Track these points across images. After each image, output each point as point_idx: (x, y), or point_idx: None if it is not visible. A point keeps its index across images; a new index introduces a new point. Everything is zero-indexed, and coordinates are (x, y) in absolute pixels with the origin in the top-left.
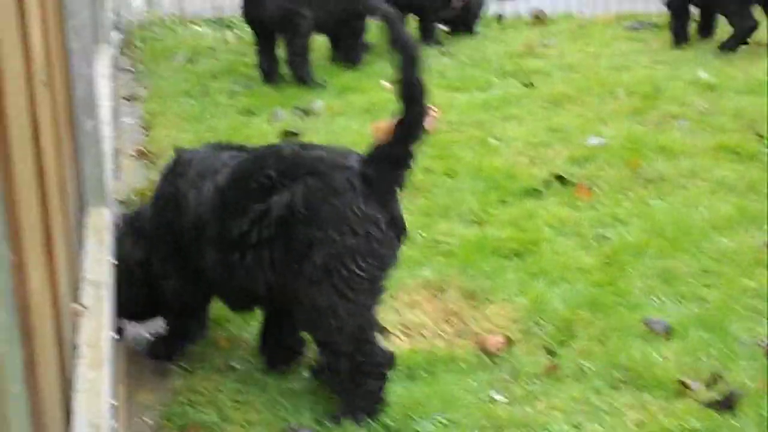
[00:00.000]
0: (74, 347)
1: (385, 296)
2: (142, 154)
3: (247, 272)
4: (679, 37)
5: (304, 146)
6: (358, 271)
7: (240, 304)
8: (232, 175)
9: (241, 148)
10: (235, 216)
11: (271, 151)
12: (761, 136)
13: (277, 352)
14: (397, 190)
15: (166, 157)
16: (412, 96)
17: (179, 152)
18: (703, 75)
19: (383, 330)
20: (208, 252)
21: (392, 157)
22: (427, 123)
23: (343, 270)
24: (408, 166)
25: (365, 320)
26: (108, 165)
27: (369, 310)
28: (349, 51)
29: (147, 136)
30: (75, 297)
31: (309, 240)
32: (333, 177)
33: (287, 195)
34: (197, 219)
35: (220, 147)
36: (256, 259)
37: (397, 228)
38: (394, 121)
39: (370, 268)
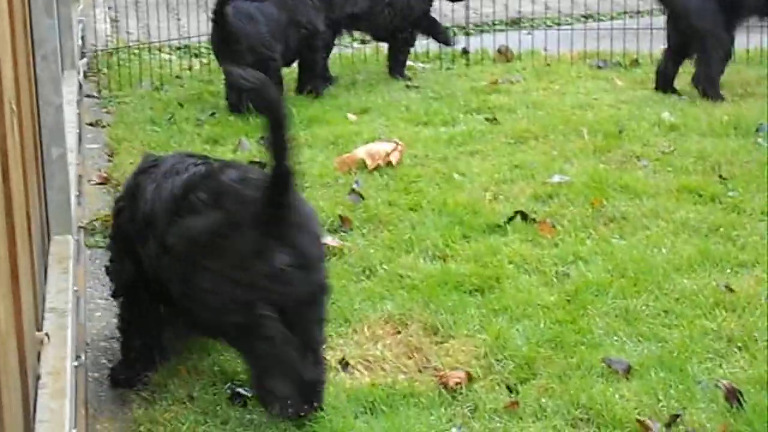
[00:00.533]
0: (37, 377)
1: (347, 330)
2: (105, 181)
3: (167, 274)
4: (666, 81)
5: (242, 173)
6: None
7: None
8: (183, 184)
9: (205, 160)
10: (171, 222)
11: (213, 171)
12: (724, 179)
13: None
14: (298, 225)
15: None
16: (280, 156)
17: (149, 154)
18: (667, 116)
19: (346, 364)
20: (150, 246)
21: (272, 205)
22: (393, 157)
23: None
24: (285, 215)
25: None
26: (73, 193)
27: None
28: (309, 82)
29: (111, 162)
30: (38, 326)
31: (202, 267)
32: (239, 213)
33: (200, 220)
34: (151, 212)
35: (188, 155)
36: (171, 265)
37: (302, 261)
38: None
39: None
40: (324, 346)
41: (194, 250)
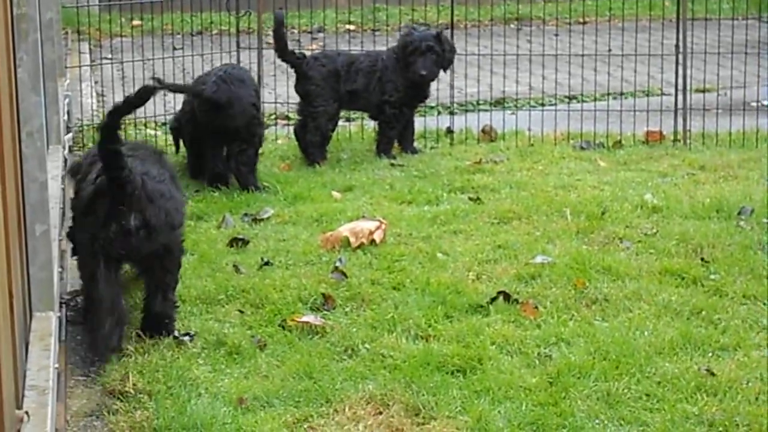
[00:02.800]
0: None
1: (328, 410)
2: None
3: None
4: None
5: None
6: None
7: None
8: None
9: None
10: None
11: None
12: (706, 261)
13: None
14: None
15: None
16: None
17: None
18: (650, 198)
19: None
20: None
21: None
22: (377, 235)
23: None
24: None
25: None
26: (56, 269)
27: None
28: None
29: None
30: (19, 404)
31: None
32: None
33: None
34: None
35: (135, 146)
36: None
37: (146, 226)
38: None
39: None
40: (174, 289)
41: (76, 213)
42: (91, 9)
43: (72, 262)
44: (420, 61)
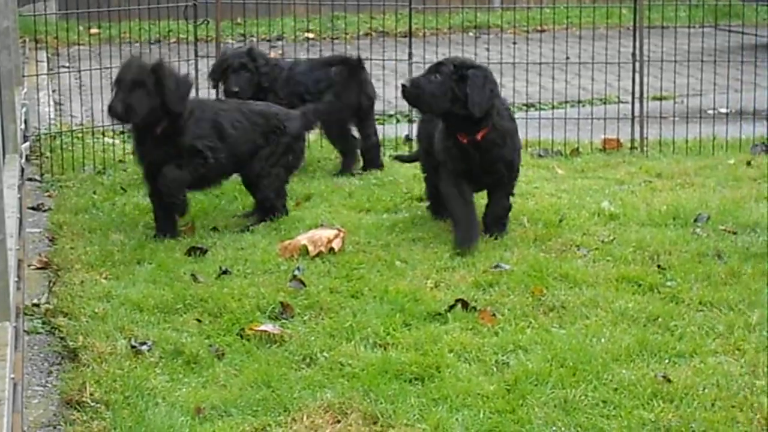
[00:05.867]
0: None
1: (286, 419)
2: (46, 265)
3: None
4: None
5: None
6: None
7: None
8: None
9: None
10: None
11: None
12: (662, 268)
13: None
14: None
15: (71, 270)
16: None
17: None
18: (607, 205)
19: None
20: None
21: None
22: (335, 243)
23: None
24: None
25: None
26: (12, 278)
27: None
28: None
29: (52, 246)
30: None
31: None
32: None
33: None
34: None
35: None
36: None
37: None
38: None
39: None
40: None
41: None
42: (49, 17)
43: (29, 273)
44: (233, 77)
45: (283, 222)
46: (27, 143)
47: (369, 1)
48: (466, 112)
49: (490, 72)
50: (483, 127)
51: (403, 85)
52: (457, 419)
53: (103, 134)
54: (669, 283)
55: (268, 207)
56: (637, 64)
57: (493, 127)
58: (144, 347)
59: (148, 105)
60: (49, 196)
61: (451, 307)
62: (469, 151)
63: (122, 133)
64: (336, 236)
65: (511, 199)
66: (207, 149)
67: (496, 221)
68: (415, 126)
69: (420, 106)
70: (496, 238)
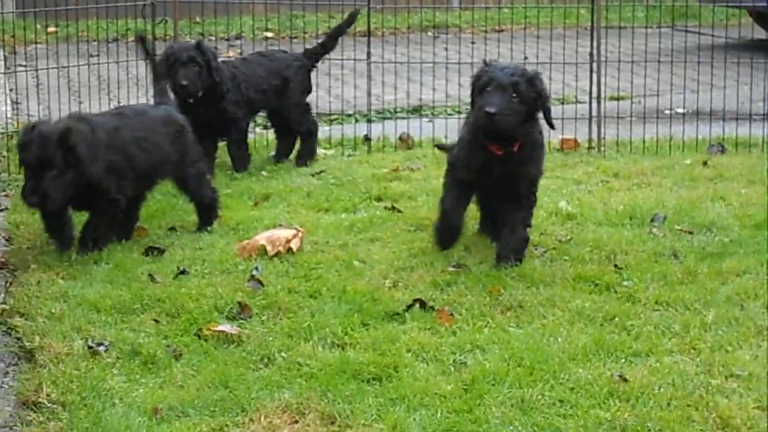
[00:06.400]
0: None
1: (243, 419)
2: (2, 265)
3: None
4: None
5: None
6: None
7: None
8: None
9: None
10: None
11: None
12: (619, 268)
13: None
14: None
15: (28, 270)
16: None
17: None
18: (564, 205)
19: None
20: None
21: None
22: (294, 243)
23: None
24: None
25: None
26: None
27: None
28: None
29: (8, 246)
30: None
31: None
32: None
33: None
34: None
35: None
36: None
37: None
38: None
39: None
40: None
41: None
42: (6, 16)
43: None
44: (181, 71)
45: (241, 222)
46: None
47: (327, 0)
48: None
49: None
50: (522, 138)
51: (491, 113)
52: (414, 419)
53: None
54: (625, 283)
55: (208, 203)
56: (595, 65)
57: (530, 139)
58: (101, 348)
59: (63, 186)
60: (6, 195)
61: (409, 306)
62: (495, 165)
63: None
64: (294, 236)
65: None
66: (116, 191)
67: (513, 253)
68: (373, 126)
69: (504, 133)
70: (505, 268)
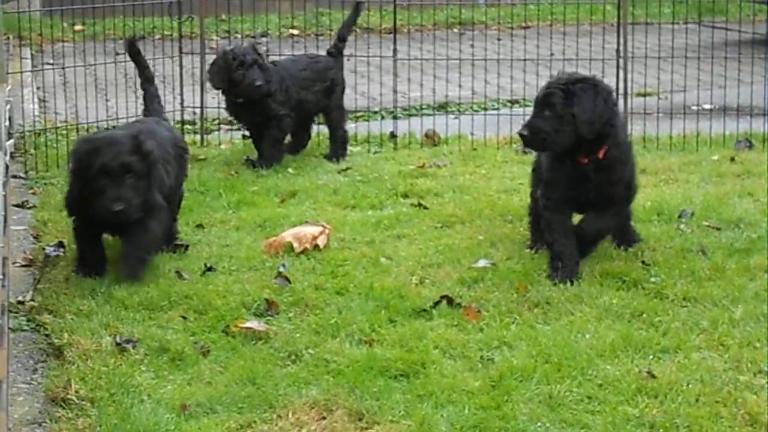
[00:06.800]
0: None
1: (271, 416)
2: (31, 263)
3: None
4: None
5: None
6: None
7: None
8: None
9: None
10: None
11: None
12: (646, 264)
13: None
14: None
15: (56, 267)
16: None
17: None
18: None
19: None
20: None
21: None
22: (320, 240)
23: None
24: None
25: None
26: None
27: None
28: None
29: (36, 244)
30: None
31: None
32: None
33: None
34: None
35: None
36: None
37: None
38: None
39: None
40: None
41: None
42: (33, 14)
43: (14, 270)
44: (251, 72)
45: (267, 219)
46: (12, 140)
47: None
48: (580, 135)
49: (600, 81)
50: (604, 143)
51: (523, 135)
52: (442, 415)
53: (88, 131)
54: (653, 279)
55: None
56: (621, 61)
57: (615, 141)
58: (129, 344)
59: (142, 192)
60: (34, 193)
61: (436, 303)
62: (589, 174)
63: (108, 130)
64: (321, 233)
65: (497, 195)
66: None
67: (591, 244)
68: (399, 123)
69: (548, 149)
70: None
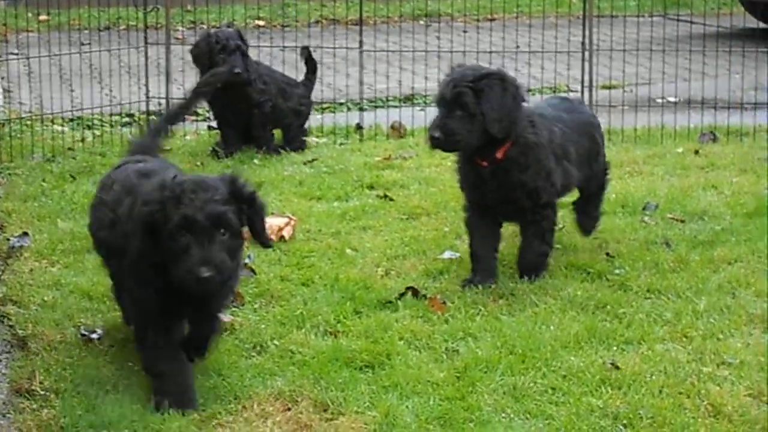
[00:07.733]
0: None
1: (236, 407)
2: None
3: None
4: None
5: None
6: None
7: None
8: None
9: None
10: None
11: None
12: (611, 256)
13: None
14: None
15: (20, 258)
16: None
17: None
18: None
19: None
20: None
21: None
22: (286, 231)
23: None
24: None
25: None
26: None
27: None
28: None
29: (0, 235)
30: None
31: None
32: None
33: None
34: None
35: None
36: None
37: None
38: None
39: None
40: None
41: None
42: None
43: None
44: (233, 58)
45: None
46: None
47: None
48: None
49: (507, 75)
50: (503, 142)
51: (434, 137)
52: (407, 406)
53: (53, 122)
54: (617, 271)
55: None
56: (587, 53)
57: (517, 141)
58: (94, 335)
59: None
60: None
61: (402, 295)
62: (485, 176)
63: (71, 120)
64: (287, 224)
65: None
66: None
67: (530, 270)
68: (365, 115)
69: (459, 150)
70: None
